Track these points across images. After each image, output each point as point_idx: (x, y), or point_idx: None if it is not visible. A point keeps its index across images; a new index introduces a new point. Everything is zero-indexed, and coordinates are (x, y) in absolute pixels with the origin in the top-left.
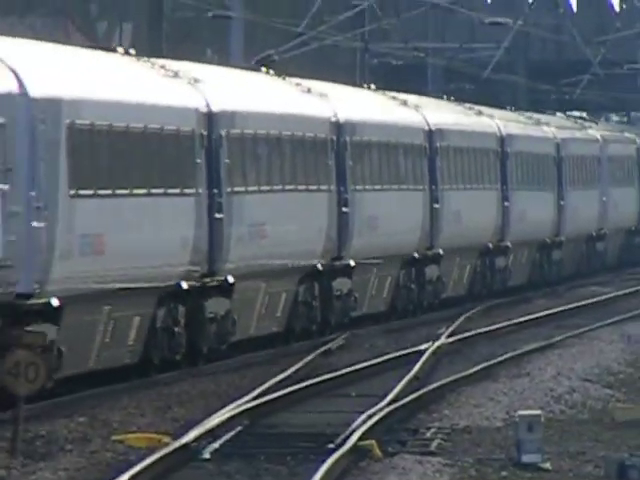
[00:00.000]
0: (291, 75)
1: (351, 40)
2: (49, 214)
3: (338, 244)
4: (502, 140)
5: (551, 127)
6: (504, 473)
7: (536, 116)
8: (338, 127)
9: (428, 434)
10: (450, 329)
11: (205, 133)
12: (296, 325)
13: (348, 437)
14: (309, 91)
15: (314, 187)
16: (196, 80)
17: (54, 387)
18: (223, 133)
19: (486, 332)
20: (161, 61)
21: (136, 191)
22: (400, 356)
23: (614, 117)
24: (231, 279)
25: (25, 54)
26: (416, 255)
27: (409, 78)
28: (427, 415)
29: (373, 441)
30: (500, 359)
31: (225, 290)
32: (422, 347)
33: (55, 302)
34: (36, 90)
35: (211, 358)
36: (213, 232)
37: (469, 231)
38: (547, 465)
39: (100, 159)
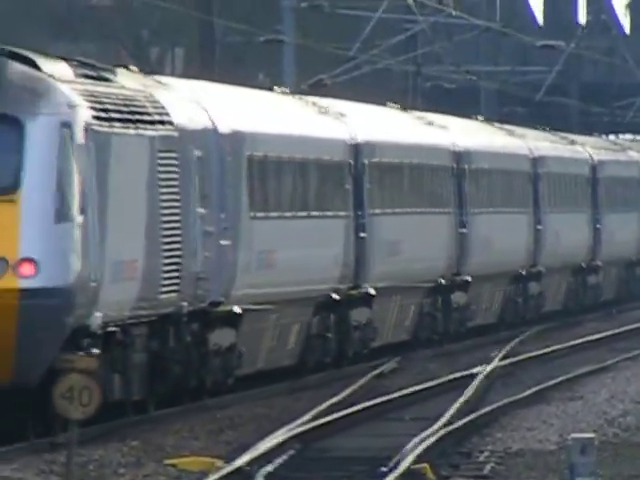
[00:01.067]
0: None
1: (403, 64)
2: (234, 234)
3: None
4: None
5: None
6: None
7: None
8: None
9: (481, 457)
10: (502, 353)
11: (352, 162)
12: (421, 334)
13: (401, 460)
14: (431, 124)
15: (439, 210)
16: (342, 115)
17: (234, 383)
18: (366, 162)
19: (539, 355)
20: (311, 98)
21: (299, 214)
22: (453, 379)
23: None
24: (372, 291)
25: (211, 95)
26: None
27: (462, 101)
28: (480, 438)
29: (426, 464)
30: (553, 382)
31: (367, 301)
32: (475, 370)
33: (237, 310)
34: (223, 127)
35: (356, 360)
36: (358, 250)
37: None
38: None
39: (271, 186)
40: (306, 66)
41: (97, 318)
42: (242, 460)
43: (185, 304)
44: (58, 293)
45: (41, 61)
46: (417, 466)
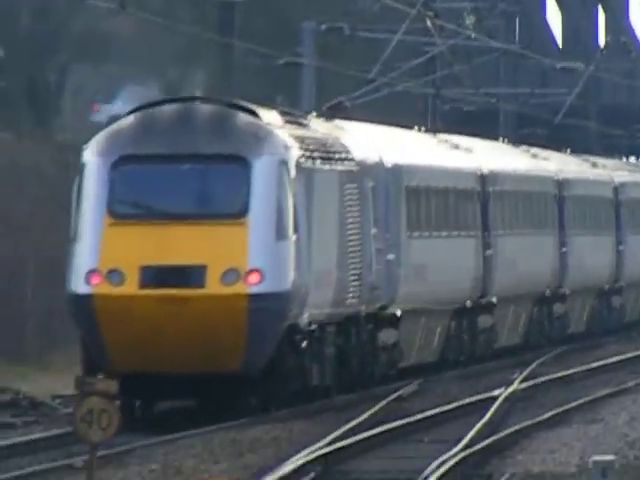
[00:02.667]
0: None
1: (422, 86)
2: (396, 250)
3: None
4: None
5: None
6: None
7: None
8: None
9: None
10: (523, 375)
11: (479, 190)
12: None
13: None
14: (535, 156)
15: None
16: (468, 150)
17: (396, 375)
18: (490, 190)
19: (559, 378)
20: (443, 136)
21: (443, 233)
22: (473, 402)
23: None
24: (494, 300)
25: (376, 135)
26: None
27: (481, 123)
28: (500, 461)
29: None
30: (573, 404)
31: (490, 309)
32: (495, 393)
33: (398, 313)
34: (387, 161)
35: (483, 358)
36: (485, 265)
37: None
38: None
39: (422, 210)
40: (325, 88)
41: (305, 318)
42: None
43: (363, 308)
44: (279, 297)
45: (259, 111)
46: None
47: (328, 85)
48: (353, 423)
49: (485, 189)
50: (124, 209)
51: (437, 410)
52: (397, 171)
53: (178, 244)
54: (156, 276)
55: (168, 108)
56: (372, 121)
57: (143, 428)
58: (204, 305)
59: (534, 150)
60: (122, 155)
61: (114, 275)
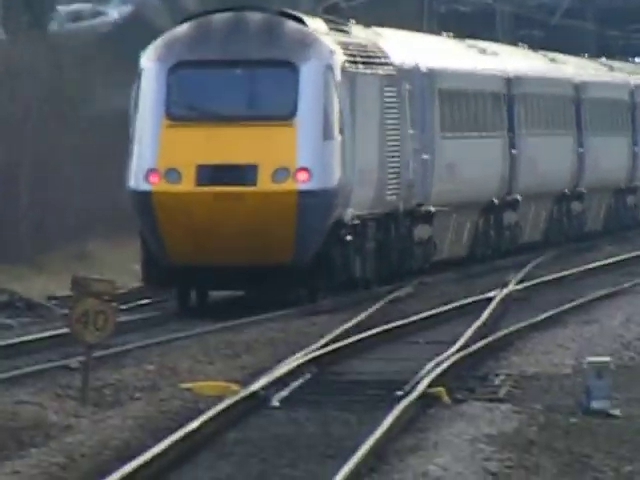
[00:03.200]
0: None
1: None
2: (431, 150)
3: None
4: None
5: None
6: (573, 420)
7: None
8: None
9: (497, 381)
10: (518, 277)
11: (506, 93)
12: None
13: (417, 384)
14: (554, 60)
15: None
16: (495, 54)
17: (430, 268)
18: (516, 93)
19: (554, 279)
20: (470, 41)
21: (473, 134)
22: (469, 303)
23: None
24: (519, 197)
25: (411, 42)
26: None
27: (477, 25)
28: (495, 362)
29: (442, 388)
30: (569, 306)
31: (515, 205)
32: (491, 294)
33: (432, 209)
34: (423, 66)
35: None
36: (510, 164)
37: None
38: (616, 412)
39: (454, 112)
40: None
41: (350, 213)
42: (258, 384)
43: (401, 204)
44: (326, 194)
45: (305, 18)
46: (433, 390)
47: None
48: (348, 325)
49: (510, 92)
50: (181, 111)
51: (433, 312)
52: (431, 75)
53: (231, 144)
54: (211, 174)
55: (220, 17)
56: (370, 23)
57: (199, 315)
58: (256, 202)
59: (552, 55)
60: (178, 61)
61: (172, 173)
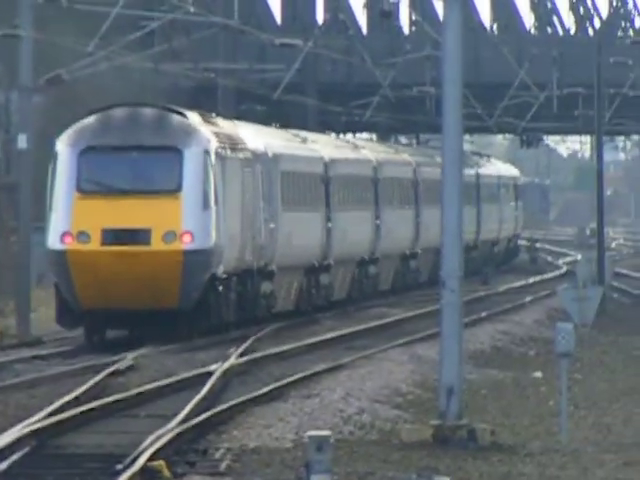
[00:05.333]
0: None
1: (141, 60)
2: (275, 220)
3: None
4: (326, 165)
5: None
6: None
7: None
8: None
9: (217, 455)
10: (240, 350)
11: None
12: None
13: (137, 458)
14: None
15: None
16: (314, 142)
17: (271, 317)
18: (331, 174)
19: (276, 353)
20: (292, 131)
21: (304, 208)
22: (190, 377)
23: (403, 139)
24: (274, 268)
25: (260, 132)
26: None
27: (200, 98)
28: (216, 436)
29: (162, 462)
30: (290, 380)
31: (329, 268)
32: (212, 368)
33: (274, 269)
34: (270, 152)
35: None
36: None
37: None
38: None
39: (291, 190)
40: (44, 61)
41: (221, 269)
42: None
43: (255, 264)
44: (205, 253)
45: (186, 113)
46: (153, 463)
47: (47, 57)
48: (69, 397)
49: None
50: (89, 186)
51: (153, 385)
52: (275, 159)
53: (130, 212)
54: (113, 236)
55: (119, 110)
56: (92, 95)
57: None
58: (150, 259)
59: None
60: (87, 146)
61: (82, 236)
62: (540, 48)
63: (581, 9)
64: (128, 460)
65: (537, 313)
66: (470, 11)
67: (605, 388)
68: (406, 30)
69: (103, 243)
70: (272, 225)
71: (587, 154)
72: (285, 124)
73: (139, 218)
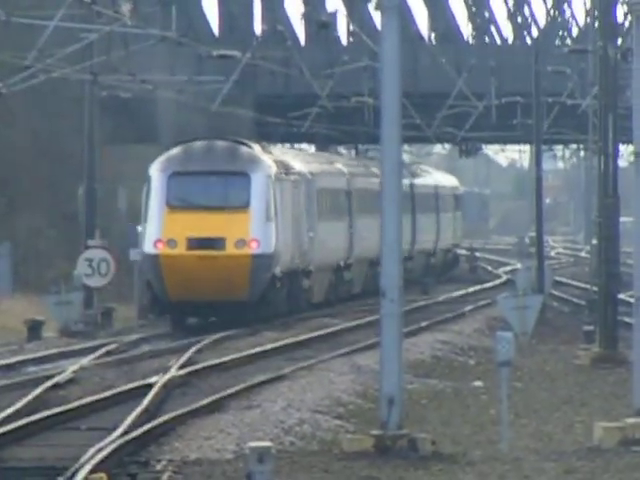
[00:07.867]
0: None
1: (79, 72)
2: (313, 229)
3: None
4: (348, 180)
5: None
6: None
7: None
8: None
9: (159, 466)
10: (180, 361)
11: (347, 189)
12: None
13: (78, 470)
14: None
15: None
16: (337, 161)
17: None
18: (352, 189)
19: (217, 364)
20: (316, 152)
21: (333, 218)
22: (130, 389)
23: (342, 150)
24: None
25: (302, 156)
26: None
27: (139, 111)
28: (157, 448)
29: (103, 474)
30: (230, 391)
31: (350, 267)
32: (152, 380)
33: (312, 269)
34: (307, 173)
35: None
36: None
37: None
38: None
39: (324, 203)
40: None
41: (278, 269)
42: None
43: (300, 266)
44: (268, 256)
45: (251, 144)
46: (94, 476)
47: None
48: (9, 411)
49: (349, 187)
50: (176, 203)
51: (93, 397)
52: (314, 178)
53: (209, 224)
54: (196, 243)
55: (199, 143)
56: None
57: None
58: (225, 261)
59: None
60: (174, 171)
61: (171, 242)
62: (478, 57)
63: (519, 18)
64: (69, 473)
65: (477, 322)
66: (408, 21)
67: (545, 397)
68: (344, 41)
69: (188, 248)
70: (311, 234)
71: (526, 163)
72: (222, 135)
73: (216, 228)
